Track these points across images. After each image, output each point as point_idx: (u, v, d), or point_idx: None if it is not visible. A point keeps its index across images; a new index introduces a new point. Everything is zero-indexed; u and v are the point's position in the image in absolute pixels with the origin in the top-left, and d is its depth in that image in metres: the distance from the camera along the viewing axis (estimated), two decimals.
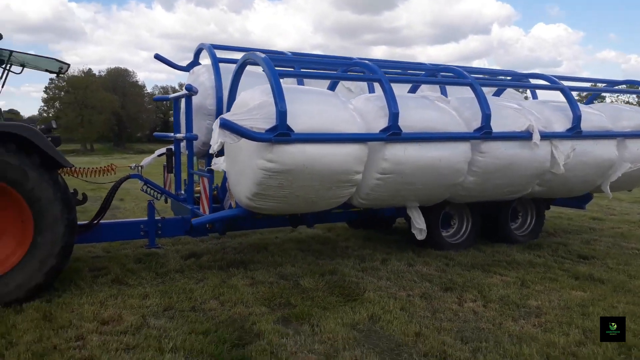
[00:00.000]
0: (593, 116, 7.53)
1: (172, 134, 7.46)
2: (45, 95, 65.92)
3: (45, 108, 65.98)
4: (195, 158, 7.68)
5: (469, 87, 6.70)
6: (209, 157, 6.39)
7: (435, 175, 6.18)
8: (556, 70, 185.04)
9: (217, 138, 4.95)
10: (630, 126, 7.84)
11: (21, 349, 4.05)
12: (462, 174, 6.41)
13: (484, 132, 6.31)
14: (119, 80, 71.97)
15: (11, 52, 5.99)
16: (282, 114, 5.00)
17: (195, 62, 7.77)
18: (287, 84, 7.12)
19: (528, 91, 10.71)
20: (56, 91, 65.02)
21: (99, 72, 72.20)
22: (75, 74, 64.41)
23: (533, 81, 8.77)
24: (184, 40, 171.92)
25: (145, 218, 6.49)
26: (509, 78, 9.27)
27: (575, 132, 7.06)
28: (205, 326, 4.57)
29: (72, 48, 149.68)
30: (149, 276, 6.08)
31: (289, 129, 5.05)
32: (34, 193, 5.10)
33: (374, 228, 9.03)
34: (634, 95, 30.62)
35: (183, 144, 7.14)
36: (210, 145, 5.19)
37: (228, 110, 6.01)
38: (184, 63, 7.97)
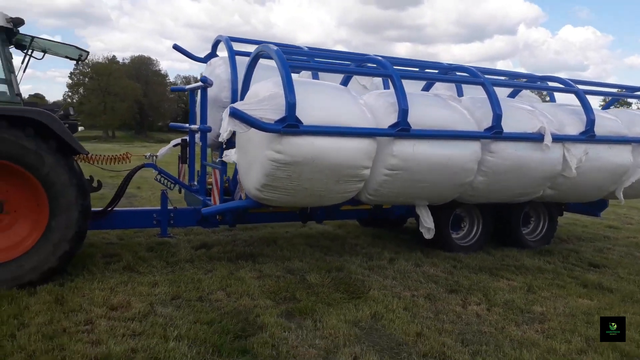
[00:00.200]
0: (608, 121, 7.43)
1: (187, 125, 7.56)
2: (70, 81, 67.14)
3: (70, 94, 67.24)
4: (209, 150, 7.79)
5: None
6: (222, 149, 6.48)
7: (444, 173, 6.14)
8: (581, 75, 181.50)
9: (227, 126, 5.03)
10: None
11: (32, 330, 4.20)
12: (472, 173, 6.36)
13: (495, 132, 6.26)
14: (142, 69, 72.86)
15: (32, 37, 6.14)
16: (291, 105, 5.04)
17: (212, 54, 7.82)
18: (303, 78, 7.18)
19: (547, 95, 10.53)
20: (80, 77, 66.12)
21: (123, 60, 73.26)
22: (100, 60, 65.39)
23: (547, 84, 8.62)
24: (208, 30, 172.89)
25: (159, 207, 6.63)
26: (524, 80, 9.15)
27: (588, 135, 6.98)
28: (210, 316, 4.67)
29: (97, 34, 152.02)
30: (159, 265, 6.21)
31: (298, 120, 5.09)
32: (50, 177, 5.22)
33: (385, 227, 9.05)
34: None
35: (198, 135, 7.24)
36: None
37: None
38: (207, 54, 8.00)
